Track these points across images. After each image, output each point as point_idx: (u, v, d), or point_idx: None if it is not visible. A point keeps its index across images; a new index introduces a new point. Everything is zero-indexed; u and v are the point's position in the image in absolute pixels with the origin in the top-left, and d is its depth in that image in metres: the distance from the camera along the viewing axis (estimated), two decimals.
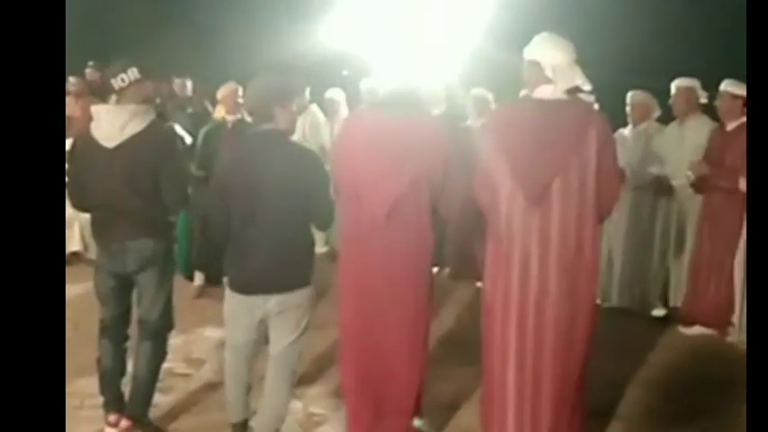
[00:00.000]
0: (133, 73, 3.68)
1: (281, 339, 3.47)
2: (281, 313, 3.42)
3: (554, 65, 3.35)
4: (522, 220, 3.31)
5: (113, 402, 3.88)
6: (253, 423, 3.61)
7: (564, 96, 3.38)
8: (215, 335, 5.15)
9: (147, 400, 3.86)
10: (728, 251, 5.28)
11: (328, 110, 7.93)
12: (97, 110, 3.70)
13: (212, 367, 4.74)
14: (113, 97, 3.75)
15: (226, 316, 3.55)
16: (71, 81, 8.25)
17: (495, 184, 3.37)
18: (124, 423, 3.84)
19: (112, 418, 3.86)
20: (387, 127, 3.46)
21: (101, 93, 6.57)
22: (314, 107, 8.16)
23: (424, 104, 3.71)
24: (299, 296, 3.42)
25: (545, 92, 3.38)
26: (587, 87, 3.40)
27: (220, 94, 6.31)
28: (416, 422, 3.76)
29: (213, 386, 4.45)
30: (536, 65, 3.40)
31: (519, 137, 3.35)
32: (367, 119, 3.67)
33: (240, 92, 6.00)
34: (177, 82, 7.93)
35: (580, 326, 3.36)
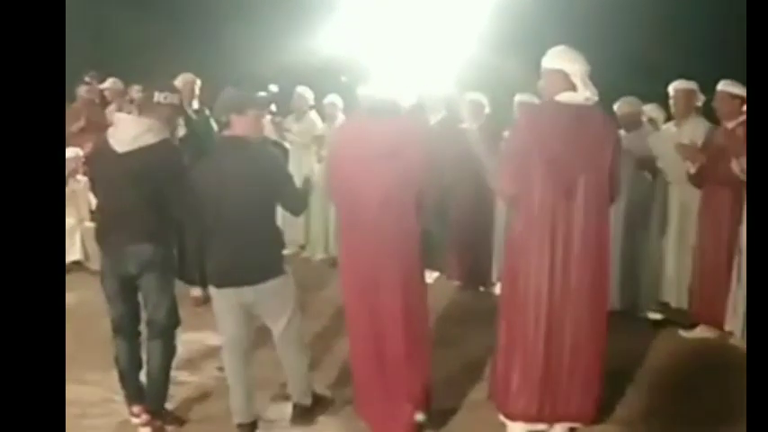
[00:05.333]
0: (175, 98, 3.97)
1: (275, 323, 3.86)
2: (260, 303, 3.76)
3: (580, 74, 3.76)
4: (552, 209, 3.73)
5: (134, 395, 4.01)
6: (288, 389, 4.03)
7: (584, 103, 3.78)
8: (214, 341, 5.18)
9: (162, 395, 4.03)
10: (730, 247, 5.24)
11: (328, 114, 7.98)
12: (119, 117, 4.00)
13: (211, 374, 4.78)
14: (132, 107, 3.92)
15: (215, 313, 3.83)
16: (84, 88, 8.25)
17: (527, 178, 3.76)
18: (144, 416, 3.97)
19: (136, 409, 3.99)
20: (374, 131, 3.79)
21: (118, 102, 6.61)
22: (312, 114, 8.20)
23: (405, 110, 4.04)
24: (274, 285, 3.75)
25: (569, 98, 3.77)
26: (596, 98, 3.81)
27: None
28: (418, 416, 3.87)
29: (213, 393, 4.50)
30: (560, 73, 3.78)
31: (552, 136, 3.76)
32: (357, 125, 4.00)
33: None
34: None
35: (600, 298, 3.86)
